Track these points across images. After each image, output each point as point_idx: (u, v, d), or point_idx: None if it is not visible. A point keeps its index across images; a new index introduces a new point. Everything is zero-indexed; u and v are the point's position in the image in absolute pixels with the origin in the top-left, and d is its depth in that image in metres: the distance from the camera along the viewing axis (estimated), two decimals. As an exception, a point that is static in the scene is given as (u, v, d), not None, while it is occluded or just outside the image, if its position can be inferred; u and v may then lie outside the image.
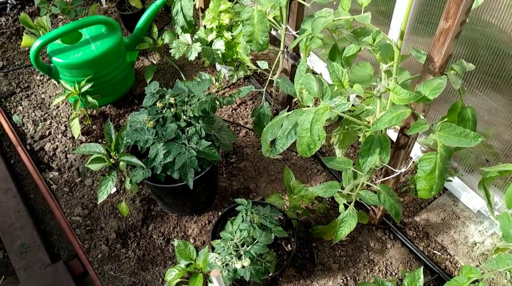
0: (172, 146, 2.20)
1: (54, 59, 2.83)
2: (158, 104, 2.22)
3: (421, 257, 2.44)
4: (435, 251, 2.49)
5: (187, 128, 2.23)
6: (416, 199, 2.67)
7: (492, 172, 1.71)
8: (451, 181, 2.62)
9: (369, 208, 2.55)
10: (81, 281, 2.55)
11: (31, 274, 2.56)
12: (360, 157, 1.80)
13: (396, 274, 2.43)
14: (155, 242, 2.58)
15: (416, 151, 2.73)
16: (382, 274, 2.42)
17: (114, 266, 2.50)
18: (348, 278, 2.40)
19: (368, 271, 2.42)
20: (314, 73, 3.11)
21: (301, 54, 2.14)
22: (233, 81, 3.05)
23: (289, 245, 2.30)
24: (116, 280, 2.46)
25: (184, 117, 2.21)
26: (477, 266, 2.41)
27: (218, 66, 3.23)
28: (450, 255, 2.47)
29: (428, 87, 1.57)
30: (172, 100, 2.21)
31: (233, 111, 3.11)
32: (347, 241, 2.53)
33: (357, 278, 2.40)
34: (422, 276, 2.12)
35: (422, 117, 1.57)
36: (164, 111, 2.24)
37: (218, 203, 2.69)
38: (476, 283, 1.69)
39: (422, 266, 2.17)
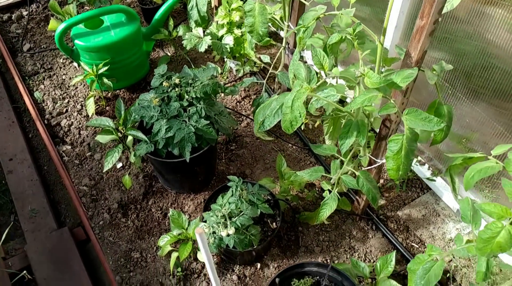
0: (173, 122, 2.41)
1: (76, 41, 3.08)
2: (164, 83, 2.44)
3: (399, 247, 2.59)
4: (413, 244, 2.64)
5: (189, 108, 2.45)
6: (401, 195, 2.83)
7: (457, 159, 1.88)
8: (434, 180, 2.78)
9: (354, 198, 2.72)
10: (83, 247, 2.76)
11: (37, 236, 2.77)
12: (340, 139, 1.98)
13: (374, 261, 2.58)
14: (153, 215, 2.78)
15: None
16: (361, 259, 2.57)
17: (114, 233, 2.71)
18: (328, 261, 2.56)
19: (348, 256, 2.58)
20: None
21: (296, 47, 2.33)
22: (240, 75, 3.27)
23: (274, 223, 2.49)
24: (114, 246, 2.66)
25: (187, 97, 2.42)
26: (450, 261, 2.55)
27: (227, 61, 3.45)
28: (427, 249, 2.61)
29: (400, 76, 1.76)
30: (177, 81, 2.43)
31: (237, 103, 3.32)
32: (331, 227, 2.70)
33: (337, 261, 2.56)
34: (394, 259, 2.29)
35: (392, 101, 1.75)
36: (169, 91, 2.46)
37: (215, 184, 2.89)
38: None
39: (395, 251, 2.34)
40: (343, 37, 1.79)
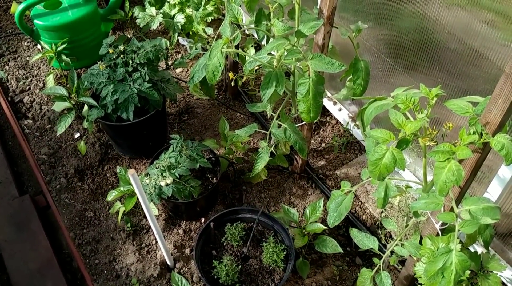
0: (119, 86, 2.60)
1: (36, 21, 3.28)
2: (110, 50, 2.63)
3: (335, 202, 2.79)
4: (348, 198, 2.83)
5: (134, 73, 2.64)
6: (340, 156, 3.04)
7: (369, 100, 2.09)
8: (370, 141, 2.98)
9: (294, 158, 2.92)
10: (44, 213, 2.93)
11: (0, 203, 2.95)
12: (261, 89, 2.18)
13: (311, 214, 2.77)
14: (108, 179, 2.96)
15: (344, 117, 3.10)
16: (300, 213, 2.77)
17: (70, 196, 2.89)
18: (268, 214, 2.75)
19: (287, 210, 2.77)
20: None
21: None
22: (191, 52, 3.47)
23: (214, 178, 2.68)
24: (69, 206, 2.84)
25: (131, 62, 2.62)
26: (381, 212, 2.75)
27: (181, 40, 3.66)
28: (361, 202, 2.82)
29: (306, 26, 1.97)
30: (122, 48, 2.63)
31: (192, 79, 3.52)
32: (273, 186, 2.89)
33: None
34: (322, 205, 2.49)
35: (299, 48, 1.96)
36: (116, 58, 2.66)
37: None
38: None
39: (323, 197, 2.54)
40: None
